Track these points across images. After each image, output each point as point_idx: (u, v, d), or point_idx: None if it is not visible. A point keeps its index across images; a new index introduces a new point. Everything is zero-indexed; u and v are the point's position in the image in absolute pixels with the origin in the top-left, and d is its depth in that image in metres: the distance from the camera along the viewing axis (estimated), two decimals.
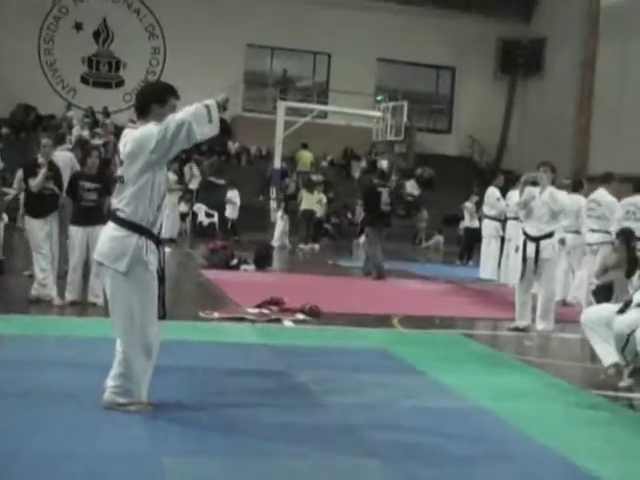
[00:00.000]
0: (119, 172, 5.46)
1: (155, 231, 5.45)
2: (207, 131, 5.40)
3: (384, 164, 30.83)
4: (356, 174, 30.84)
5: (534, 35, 33.94)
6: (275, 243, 22.05)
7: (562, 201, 10.35)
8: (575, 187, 13.42)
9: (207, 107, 5.37)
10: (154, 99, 5.57)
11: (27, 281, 10.80)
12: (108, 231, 5.45)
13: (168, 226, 21.02)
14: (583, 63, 30.32)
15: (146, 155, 5.31)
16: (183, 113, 5.35)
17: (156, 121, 5.40)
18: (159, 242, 5.49)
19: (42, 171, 9.84)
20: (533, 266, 10.24)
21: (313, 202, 23.49)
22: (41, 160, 9.99)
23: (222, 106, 5.50)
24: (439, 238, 26.82)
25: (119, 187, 5.46)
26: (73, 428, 5.05)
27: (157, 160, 5.37)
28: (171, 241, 21.22)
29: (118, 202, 5.42)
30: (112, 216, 5.45)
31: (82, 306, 9.99)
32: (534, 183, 10.40)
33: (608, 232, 11.57)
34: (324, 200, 24.56)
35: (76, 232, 9.97)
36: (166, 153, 5.39)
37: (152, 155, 5.31)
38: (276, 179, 26.41)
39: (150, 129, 5.34)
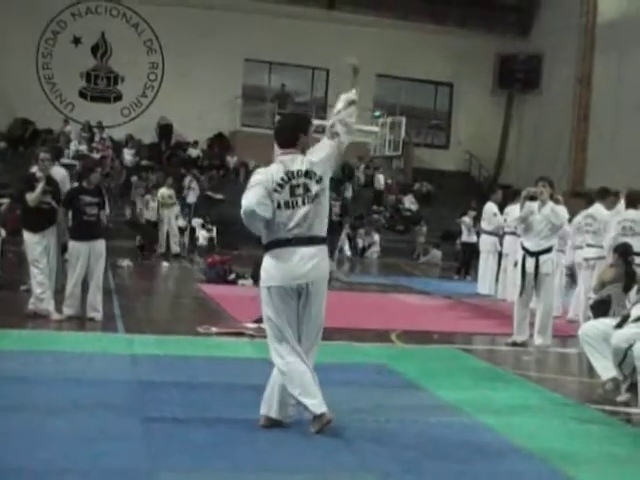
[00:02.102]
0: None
1: None
2: None
3: (381, 180, 30.87)
4: (348, 193, 30.35)
5: (531, 51, 34.04)
6: None
7: (563, 216, 10.37)
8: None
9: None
10: (300, 130, 5.76)
11: (24, 295, 10.80)
12: None
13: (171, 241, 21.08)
14: (580, 78, 30.43)
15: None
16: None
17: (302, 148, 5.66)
18: None
19: (40, 185, 9.84)
20: (532, 281, 10.26)
21: None
22: (39, 174, 10.00)
23: None
24: (436, 253, 26.83)
25: None
26: (71, 443, 5.04)
27: None
28: (177, 256, 21.24)
29: None
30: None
31: (80, 321, 9.97)
32: (532, 198, 10.42)
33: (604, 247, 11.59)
34: None
35: (78, 247, 9.95)
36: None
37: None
38: None
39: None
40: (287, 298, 5.53)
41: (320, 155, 5.62)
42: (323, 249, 5.59)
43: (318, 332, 5.79)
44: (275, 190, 5.48)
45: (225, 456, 5.02)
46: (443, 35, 32.90)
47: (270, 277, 5.53)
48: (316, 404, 5.45)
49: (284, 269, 5.49)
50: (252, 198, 5.44)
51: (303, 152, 5.65)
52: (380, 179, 31.02)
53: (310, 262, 5.51)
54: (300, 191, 5.51)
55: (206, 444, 5.20)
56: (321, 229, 5.59)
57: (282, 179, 5.50)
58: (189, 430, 5.47)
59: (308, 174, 5.54)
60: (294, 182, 5.52)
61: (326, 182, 5.60)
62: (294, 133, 5.70)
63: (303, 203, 5.51)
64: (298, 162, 5.57)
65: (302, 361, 5.61)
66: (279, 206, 5.49)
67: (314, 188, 5.53)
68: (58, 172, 12.02)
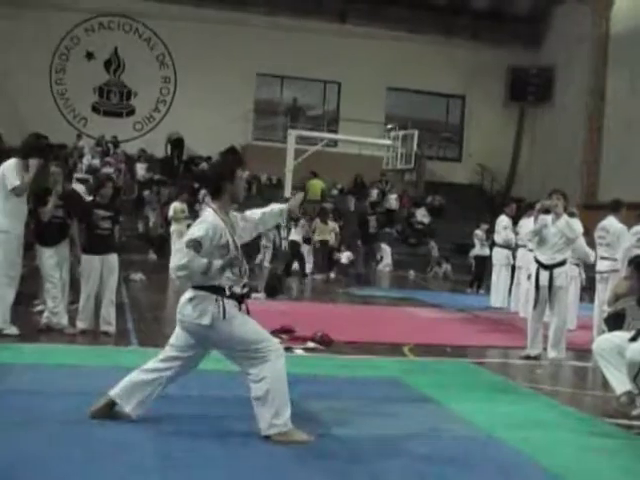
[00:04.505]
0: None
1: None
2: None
3: (393, 200, 30.85)
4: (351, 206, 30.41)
5: (543, 63, 34.04)
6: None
7: (578, 229, 10.34)
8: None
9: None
10: (225, 178, 5.82)
11: (38, 312, 10.83)
12: None
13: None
14: (592, 91, 30.39)
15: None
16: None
17: (229, 196, 5.82)
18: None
19: (52, 199, 9.87)
20: (547, 294, 10.22)
21: (327, 232, 23.54)
22: (58, 188, 10.02)
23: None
24: (447, 266, 26.82)
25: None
26: (84, 457, 5.04)
27: None
28: None
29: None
30: None
31: (93, 335, 9.99)
32: (546, 211, 10.40)
33: (617, 260, 11.55)
34: (337, 229, 24.55)
35: (91, 261, 9.98)
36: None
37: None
38: None
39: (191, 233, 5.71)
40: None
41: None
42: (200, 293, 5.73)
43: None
44: None
45: (239, 469, 5.01)
46: (455, 48, 32.97)
47: None
48: None
49: None
50: None
51: (233, 200, 5.87)
52: (392, 199, 31.00)
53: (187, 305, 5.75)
54: None
55: (219, 457, 5.20)
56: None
57: None
58: (202, 443, 5.47)
59: None
60: None
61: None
62: (218, 182, 5.88)
63: None
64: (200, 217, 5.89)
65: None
66: None
67: None
68: (80, 189, 12.12)
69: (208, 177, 6.33)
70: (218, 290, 5.65)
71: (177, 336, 5.89)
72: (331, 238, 23.63)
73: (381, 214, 29.03)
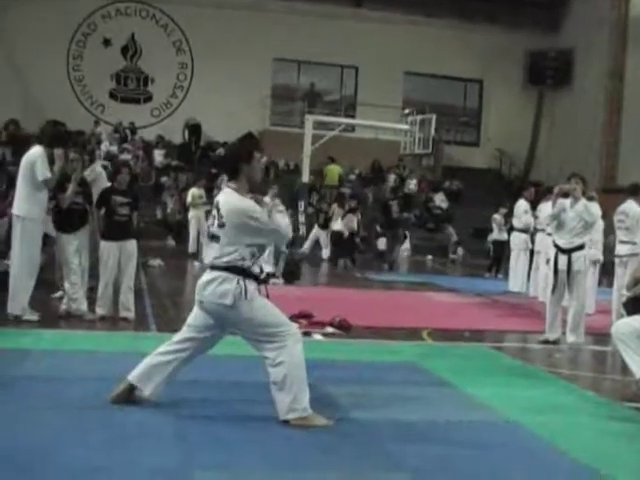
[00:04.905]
0: (214, 231, 5.76)
1: None
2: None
3: (411, 185, 30.75)
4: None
5: (562, 46, 33.79)
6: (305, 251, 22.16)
7: (596, 213, 10.29)
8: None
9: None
10: (242, 159, 5.83)
11: (57, 299, 10.89)
12: None
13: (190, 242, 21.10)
14: (612, 73, 30.17)
15: (245, 227, 5.69)
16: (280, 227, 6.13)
17: (247, 179, 5.81)
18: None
19: (71, 186, 9.90)
20: (565, 278, 10.19)
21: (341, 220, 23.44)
22: (77, 175, 10.04)
23: None
24: (461, 250, 26.79)
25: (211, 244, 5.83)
26: (104, 442, 5.07)
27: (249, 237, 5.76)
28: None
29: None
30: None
31: (113, 321, 10.04)
32: (565, 195, 10.35)
33: (637, 243, 11.50)
34: (358, 217, 24.39)
35: (109, 247, 10.02)
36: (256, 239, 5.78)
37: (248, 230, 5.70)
38: (302, 193, 26.37)
39: (253, 208, 5.70)
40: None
41: (230, 207, 5.72)
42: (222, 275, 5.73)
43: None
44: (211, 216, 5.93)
45: (258, 453, 5.03)
46: (472, 31, 32.77)
47: None
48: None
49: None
50: None
51: (250, 182, 5.86)
52: (410, 184, 30.92)
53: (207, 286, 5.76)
54: (211, 222, 5.85)
55: (238, 442, 5.22)
56: (219, 260, 5.73)
57: (213, 208, 5.92)
58: (221, 428, 5.50)
59: (219, 211, 5.76)
60: (212, 213, 5.87)
61: (229, 230, 5.69)
62: (235, 164, 5.88)
63: (210, 237, 5.85)
64: (223, 197, 5.83)
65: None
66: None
67: (215, 228, 5.76)
68: (96, 171, 12.20)
69: (225, 159, 6.39)
70: (239, 271, 5.68)
71: (195, 316, 5.93)
72: (351, 227, 23.43)
73: (400, 198, 28.97)
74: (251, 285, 5.72)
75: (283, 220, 13.66)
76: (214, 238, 5.74)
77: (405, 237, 26.14)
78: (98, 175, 11.73)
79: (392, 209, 22.41)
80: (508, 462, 5.17)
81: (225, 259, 5.69)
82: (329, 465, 4.93)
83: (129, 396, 5.89)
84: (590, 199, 10.89)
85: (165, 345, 5.98)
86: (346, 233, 22.01)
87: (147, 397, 5.88)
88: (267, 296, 5.91)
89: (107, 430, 5.32)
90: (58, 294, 10.99)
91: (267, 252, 16.54)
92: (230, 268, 5.69)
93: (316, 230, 23.07)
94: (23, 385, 6.45)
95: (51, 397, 6.07)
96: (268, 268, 16.18)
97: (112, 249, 10.01)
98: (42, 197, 9.67)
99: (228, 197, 5.76)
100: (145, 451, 4.95)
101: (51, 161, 9.68)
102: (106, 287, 10.07)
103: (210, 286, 5.72)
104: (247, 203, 5.72)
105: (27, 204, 9.53)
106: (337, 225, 22.62)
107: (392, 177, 31.40)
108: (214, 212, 5.79)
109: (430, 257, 25.94)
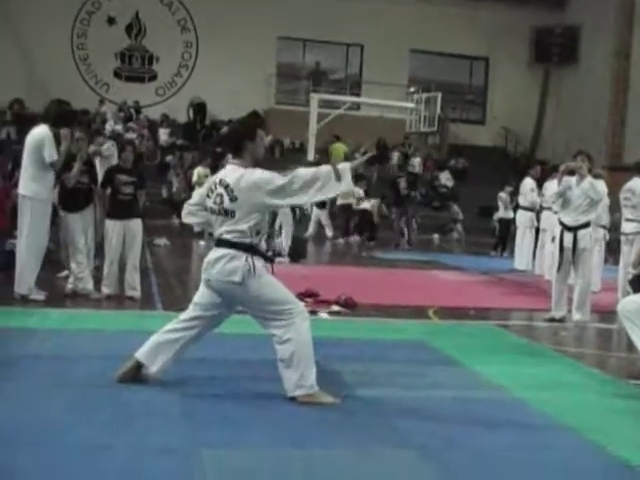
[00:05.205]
0: (226, 206, 5.70)
1: None
2: (335, 189, 5.72)
3: (416, 163, 30.63)
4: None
5: (568, 23, 33.58)
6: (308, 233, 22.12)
7: (602, 191, 10.26)
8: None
9: (337, 170, 5.68)
10: (246, 137, 5.83)
11: (63, 278, 10.90)
12: None
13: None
14: (618, 51, 30.01)
15: (262, 198, 5.64)
16: (312, 173, 5.71)
17: (250, 156, 5.79)
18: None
19: (76, 165, 9.89)
20: (571, 256, 10.18)
21: (349, 195, 23.40)
22: (82, 154, 10.03)
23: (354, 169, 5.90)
24: (459, 228, 26.78)
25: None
26: (110, 420, 5.09)
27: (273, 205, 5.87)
28: (212, 234, 21.27)
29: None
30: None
31: (119, 300, 10.06)
32: (571, 172, 10.33)
33: None
34: (361, 193, 24.39)
35: (113, 226, 10.03)
36: (284, 201, 5.85)
37: (268, 199, 5.67)
38: None
39: (263, 173, 5.67)
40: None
41: (247, 182, 5.66)
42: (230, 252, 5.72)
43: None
44: (207, 195, 5.86)
45: (264, 431, 5.04)
46: (478, 9, 32.61)
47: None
48: None
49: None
50: (193, 197, 6.33)
51: (254, 160, 5.82)
52: (415, 162, 30.78)
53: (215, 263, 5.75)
54: (217, 200, 5.76)
55: (245, 419, 5.23)
56: (232, 236, 5.72)
57: (212, 187, 5.84)
58: (229, 406, 5.51)
59: (228, 187, 5.70)
60: (217, 191, 5.76)
61: (243, 205, 5.65)
62: (239, 141, 5.85)
63: (218, 212, 5.77)
64: (230, 173, 5.77)
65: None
66: (206, 209, 5.90)
67: (226, 203, 5.70)
68: (108, 149, 12.24)
69: (229, 136, 6.38)
70: (247, 248, 5.68)
71: (202, 294, 5.93)
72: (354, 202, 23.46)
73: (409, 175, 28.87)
74: (259, 262, 5.71)
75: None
76: (227, 213, 5.72)
77: (414, 214, 26.11)
78: (113, 153, 11.78)
79: (400, 186, 22.40)
80: (514, 439, 5.18)
81: (234, 235, 5.68)
82: (336, 442, 4.94)
83: (136, 374, 5.90)
84: (597, 177, 10.85)
85: (172, 323, 5.99)
86: (375, 214, 22.33)
87: (154, 375, 5.89)
88: (273, 274, 5.91)
89: (113, 408, 5.33)
90: (64, 273, 10.99)
91: (283, 234, 16.61)
92: (238, 245, 5.68)
93: (315, 211, 23.00)
94: (29, 364, 6.46)
95: (57, 376, 6.09)
96: (285, 243, 16.28)
97: (116, 228, 10.02)
98: (50, 177, 9.66)
99: (235, 172, 5.74)
100: (152, 430, 4.96)
101: (57, 141, 9.65)
102: (111, 265, 10.09)
103: (218, 264, 5.71)
104: (257, 172, 5.69)
105: (35, 184, 9.52)
106: (364, 204, 23.05)
107: (396, 155, 31.28)
108: (220, 190, 5.73)
109: (436, 235, 25.90)
